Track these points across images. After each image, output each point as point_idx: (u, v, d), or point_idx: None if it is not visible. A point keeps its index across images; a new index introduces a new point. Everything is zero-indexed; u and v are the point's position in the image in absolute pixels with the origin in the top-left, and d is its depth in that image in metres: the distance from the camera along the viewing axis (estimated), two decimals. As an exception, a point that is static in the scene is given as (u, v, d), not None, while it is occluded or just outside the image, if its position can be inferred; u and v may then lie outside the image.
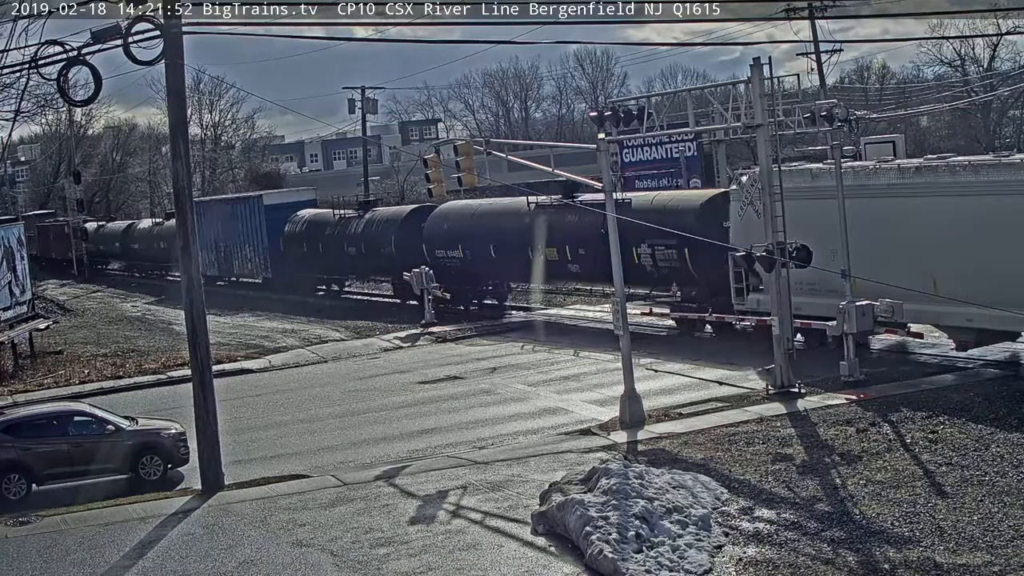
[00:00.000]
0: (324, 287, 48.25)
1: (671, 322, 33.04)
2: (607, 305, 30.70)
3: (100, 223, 72.06)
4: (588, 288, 40.30)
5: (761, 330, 26.08)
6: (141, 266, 65.02)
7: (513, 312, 37.24)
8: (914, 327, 25.92)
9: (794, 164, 28.42)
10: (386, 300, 44.88)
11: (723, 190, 30.38)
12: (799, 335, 26.81)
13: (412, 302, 40.06)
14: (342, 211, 44.59)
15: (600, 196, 25.15)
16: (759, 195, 24.26)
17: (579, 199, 33.45)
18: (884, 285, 22.84)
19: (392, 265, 40.91)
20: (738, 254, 24.06)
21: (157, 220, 63.32)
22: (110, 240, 66.30)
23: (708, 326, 31.45)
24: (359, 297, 47.63)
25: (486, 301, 39.44)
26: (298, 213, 47.69)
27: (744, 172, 28.53)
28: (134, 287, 61.28)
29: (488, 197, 42.12)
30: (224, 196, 60.70)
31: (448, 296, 38.46)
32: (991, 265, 23.26)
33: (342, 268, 45.84)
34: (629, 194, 33.79)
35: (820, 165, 26.90)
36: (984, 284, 23.08)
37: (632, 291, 31.99)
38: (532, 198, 34.96)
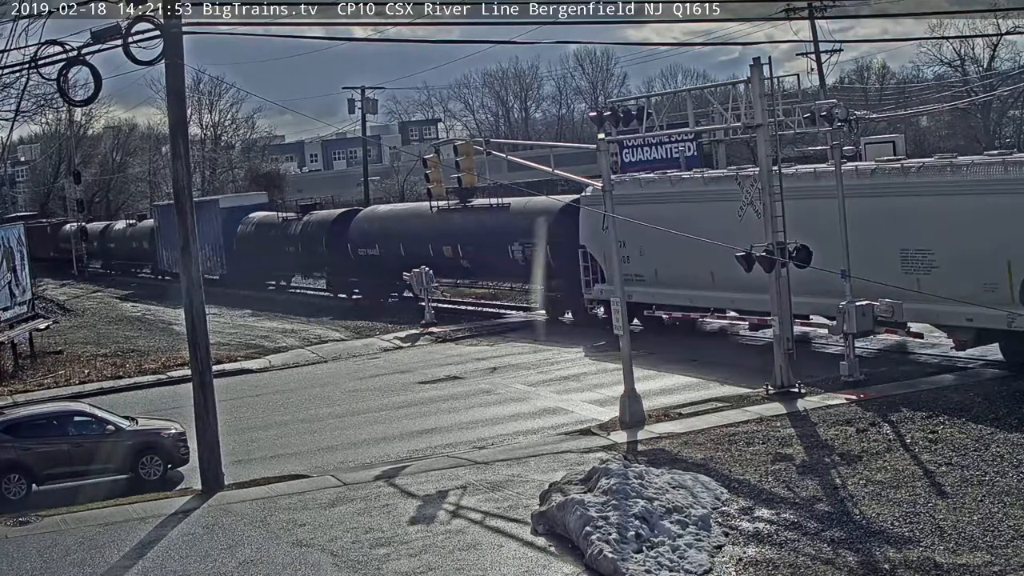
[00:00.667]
0: (273, 283, 53.02)
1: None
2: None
3: (82, 225, 73.19)
4: (476, 281, 44.39)
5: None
6: (117, 264, 70.41)
7: (419, 302, 40.32)
8: (914, 327, 25.96)
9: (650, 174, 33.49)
10: (321, 295, 49.42)
11: (578, 196, 33.98)
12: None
13: (342, 295, 45.91)
14: (286, 214, 49.89)
15: (491, 200, 33.97)
16: (758, 195, 24.27)
17: (472, 203, 39.24)
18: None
19: (323, 262, 46.67)
20: (738, 254, 24.05)
21: (131, 221, 67.75)
22: (89, 240, 71.37)
23: (569, 313, 36.32)
24: (301, 291, 52.13)
25: (405, 294, 42.50)
26: (249, 215, 52.22)
27: (745, 171, 28.54)
28: (106, 283, 65.41)
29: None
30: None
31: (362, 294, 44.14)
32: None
33: (285, 265, 50.56)
34: (507, 199, 37.93)
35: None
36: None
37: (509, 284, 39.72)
38: (435, 202, 38.38)
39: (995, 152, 25.36)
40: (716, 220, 27.35)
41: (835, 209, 24.25)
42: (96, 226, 72.61)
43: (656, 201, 30.65)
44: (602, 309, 32.33)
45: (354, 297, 45.14)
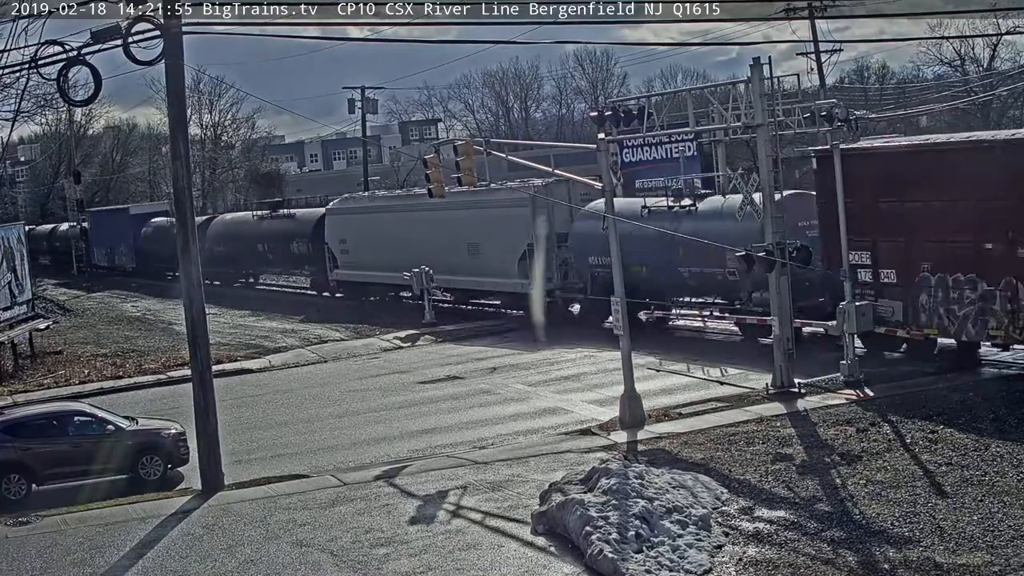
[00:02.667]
0: (171, 273, 60.79)
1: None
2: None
3: (31, 227, 74.31)
4: (278, 271, 55.59)
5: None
6: (60, 260, 77.03)
7: (258, 287, 56.30)
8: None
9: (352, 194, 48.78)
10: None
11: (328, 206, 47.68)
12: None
13: (168, 274, 56.05)
14: (173, 219, 56.68)
15: (285, 210, 49.76)
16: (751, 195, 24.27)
17: (283, 212, 52.81)
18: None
19: (158, 257, 60.26)
20: (738, 253, 24.07)
21: (72, 224, 72.41)
22: (39, 240, 76.30)
23: (327, 292, 48.03)
24: (212, 283, 60.89)
25: (250, 281, 57.12)
26: (151, 221, 63.56)
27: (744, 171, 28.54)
28: (46, 274, 71.48)
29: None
30: (106, 207, 77.15)
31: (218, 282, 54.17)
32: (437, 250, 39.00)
33: (81, 256, 67.34)
34: (294, 210, 52.97)
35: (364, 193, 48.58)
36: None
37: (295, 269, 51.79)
38: (257, 212, 54.99)
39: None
40: (414, 225, 40.40)
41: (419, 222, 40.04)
42: (44, 228, 79.75)
43: (380, 212, 43.98)
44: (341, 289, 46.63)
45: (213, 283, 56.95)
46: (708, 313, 32.02)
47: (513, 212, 35.82)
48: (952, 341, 24.65)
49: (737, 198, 26.49)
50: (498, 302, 39.40)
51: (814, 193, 27.83)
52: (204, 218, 57.24)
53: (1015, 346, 23.63)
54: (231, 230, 55.19)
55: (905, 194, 24.75)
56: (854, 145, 24.71)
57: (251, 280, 56.85)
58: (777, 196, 24.65)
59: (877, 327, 25.09)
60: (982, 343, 24.30)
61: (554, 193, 34.09)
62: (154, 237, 61.45)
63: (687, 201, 30.96)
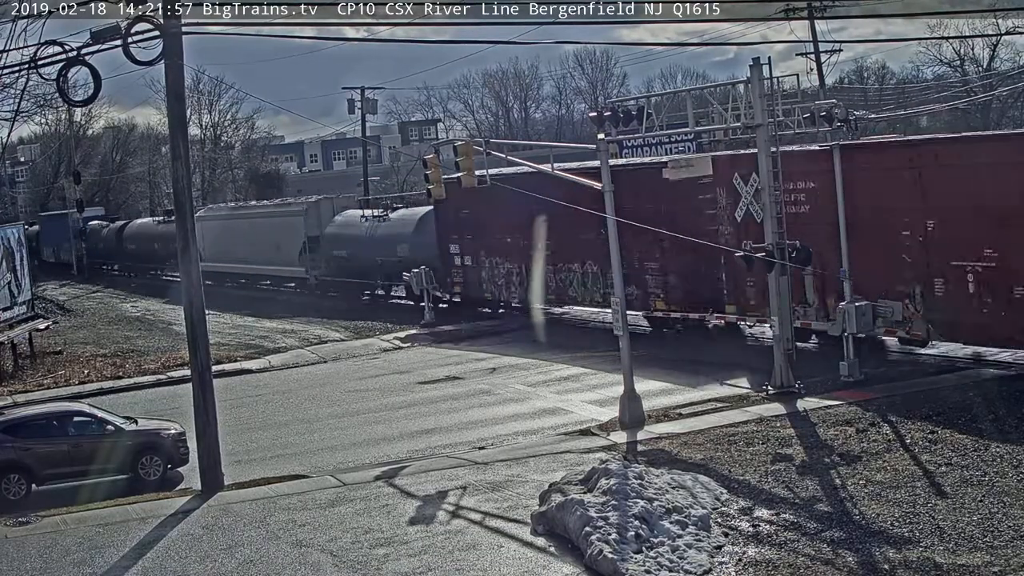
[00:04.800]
0: (106, 266, 73.39)
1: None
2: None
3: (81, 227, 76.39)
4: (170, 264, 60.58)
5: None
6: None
7: (163, 278, 62.21)
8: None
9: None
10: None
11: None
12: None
13: (103, 267, 72.07)
14: (107, 222, 73.22)
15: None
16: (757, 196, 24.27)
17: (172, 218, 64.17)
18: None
19: (114, 256, 70.96)
20: (738, 254, 24.08)
21: (26, 225, 78.49)
22: None
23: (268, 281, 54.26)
24: (127, 274, 70.35)
25: (157, 273, 63.89)
26: (90, 223, 73.68)
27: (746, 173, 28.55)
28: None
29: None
30: (53, 212, 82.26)
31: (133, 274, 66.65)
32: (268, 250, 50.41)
33: (111, 258, 72.61)
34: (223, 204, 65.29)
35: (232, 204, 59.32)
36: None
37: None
38: (157, 218, 66.58)
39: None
40: (244, 229, 51.27)
41: (245, 226, 50.36)
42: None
43: (233, 219, 54.98)
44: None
45: (123, 274, 70.36)
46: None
47: (295, 220, 48.88)
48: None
49: (406, 211, 43.52)
50: (293, 284, 51.03)
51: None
52: (123, 222, 71.20)
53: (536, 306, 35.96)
54: (140, 232, 67.21)
55: (474, 208, 36.81)
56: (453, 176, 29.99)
57: (158, 272, 64.59)
58: (422, 212, 39.67)
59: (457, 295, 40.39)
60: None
61: (320, 207, 47.95)
62: (91, 237, 73.38)
63: (381, 212, 44.60)
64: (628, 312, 24.18)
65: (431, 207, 39.85)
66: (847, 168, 25.25)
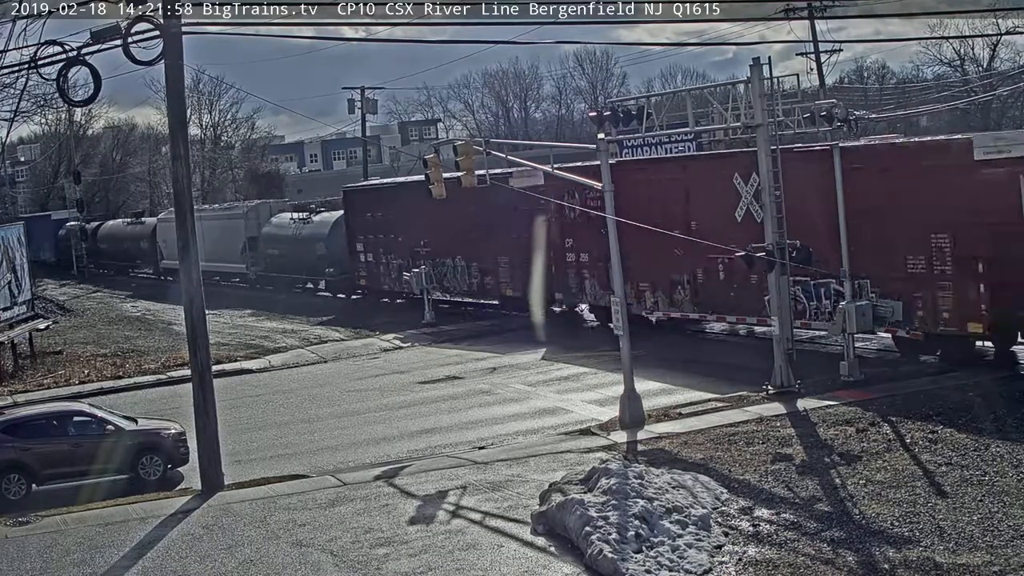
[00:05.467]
0: (92, 268, 76.04)
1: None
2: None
3: (82, 226, 76.47)
4: (138, 262, 69.06)
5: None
6: None
7: (130, 274, 69.30)
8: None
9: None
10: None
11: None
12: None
13: (73, 264, 75.10)
14: (82, 223, 75.38)
15: (149, 219, 63.08)
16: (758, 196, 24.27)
17: (140, 220, 68.20)
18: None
19: (89, 254, 74.29)
20: (739, 254, 24.08)
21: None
22: None
23: (159, 276, 62.10)
24: (100, 271, 73.85)
25: (129, 270, 69.81)
26: (66, 224, 77.25)
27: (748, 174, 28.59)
28: None
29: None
30: (34, 214, 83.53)
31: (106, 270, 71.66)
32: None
33: (80, 256, 75.60)
34: (145, 218, 68.10)
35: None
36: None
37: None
38: (126, 220, 71.90)
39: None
40: (201, 230, 54.44)
41: (198, 228, 53.13)
42: None
43: (211, 220, 54.94)
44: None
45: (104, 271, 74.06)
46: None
47: (237, 223, 55.02)
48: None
49: (326, 214, 49.33)
50: (237, 278, 56.79)
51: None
52: (96, 224, 74.37)
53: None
54: (111, 233, 71.74)
55: (376, 212, 44.07)
56: (355, 185, 41.55)
57: (130, 270, 70.19)
58: (337, 215, 47.73)
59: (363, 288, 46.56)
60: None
61: (259, 211, 54.46)
62: (67, 237, 76.79)
63: (306, 215, 50.43)
64: (485, 300, 32.99)
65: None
66: (636, 179, 31.11)
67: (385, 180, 53.23)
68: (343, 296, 48.64)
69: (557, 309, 36.29)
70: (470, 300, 40.57)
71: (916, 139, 30.26)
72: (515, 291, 37.27)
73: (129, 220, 69.44)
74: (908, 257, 25.12)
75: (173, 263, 55.29)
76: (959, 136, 26.50)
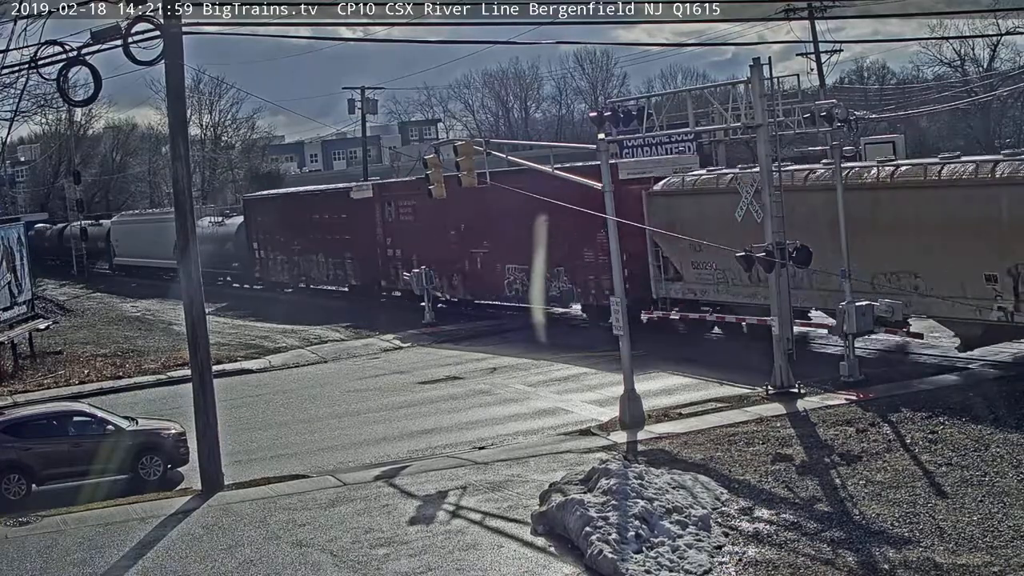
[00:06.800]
0: (51, 261, 79.19)
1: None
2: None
3: (83, 226, 76.97)
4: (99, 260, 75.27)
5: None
6: None
7: (93, 271, 74.11)
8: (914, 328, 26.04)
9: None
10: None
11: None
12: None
13: (49, 262, 76.07)
14: (50, 224, 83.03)
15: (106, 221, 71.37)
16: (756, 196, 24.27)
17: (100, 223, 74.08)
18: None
19: (57, 253, 78.69)
20: (738, 254, 24.08)
21: None
22: None
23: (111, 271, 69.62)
24: (66, 268, 76.79)
25: (59, 263, 75.28)
26: (35, 226, 77.98)
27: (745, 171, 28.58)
28: None
29: None
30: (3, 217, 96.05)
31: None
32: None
33: (54, 254, 79.47)
34: (104, 220, 73.35)
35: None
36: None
37: None
38: (90, 221, 75.61)
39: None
40: (149, 231, 62.06)
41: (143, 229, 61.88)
42: None
43: (136, 223, 67.91)
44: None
45: (63, 267, 78.09)
46: None
47: (170, 224, 59.26)
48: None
49: (237, 217, 57.01)
50: (173, 272, 63.91)
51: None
52: (62, 225, 79.50)
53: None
54: (74, 233, 75.43)
55: (266, 217, 53.06)
56: (252, 195, 50.39)
57: (92, 266, 74.56)
58: (239, 220, 55.59)
59: (259, 281, 55.47)
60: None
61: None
62: (37, 238, 78.71)
63: (221, 218, 57.93)
64: (338, 287, 44.05)
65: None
66: (396, 195, 43.93)
67: (274, 191, 61.83)
68: (247, 287, 57.08)
69: (387, 293, 45.98)
70: (331, 288, 50.14)
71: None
72: (357, 280, 47.26)
73: (91, 222, 75.89)
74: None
75: (123, 259, 69.30)
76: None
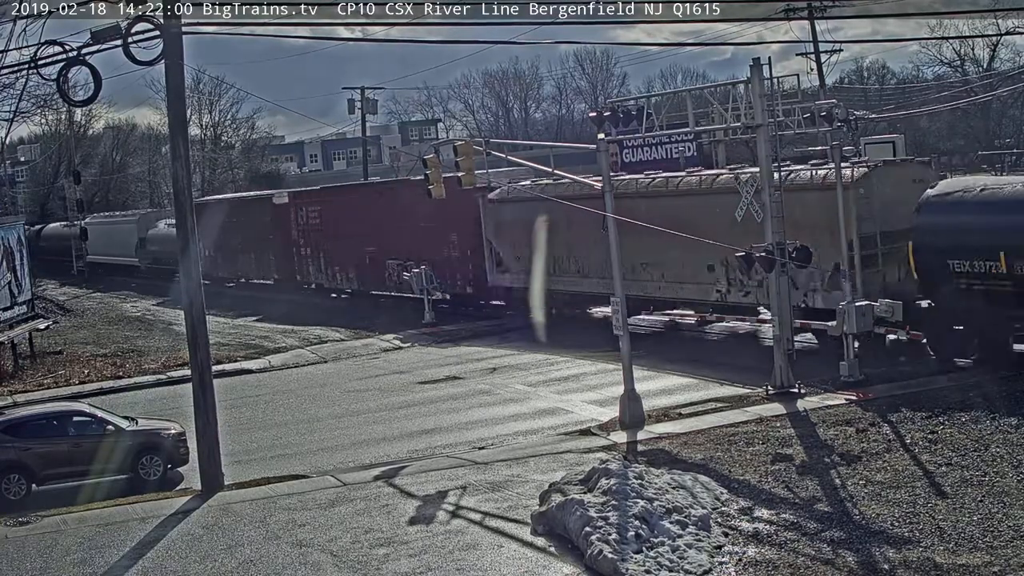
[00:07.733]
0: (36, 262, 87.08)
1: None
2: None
3: (82, 226, 77.54)
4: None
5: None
6: None
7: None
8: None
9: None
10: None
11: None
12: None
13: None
14: (28, 226, 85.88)
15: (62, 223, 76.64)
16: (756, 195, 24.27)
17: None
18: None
19: (33, 253, 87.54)
20: (739, 254, 24.08)
21: None
22: None
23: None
24: (42, 265, 77.51)
25: (64, 264, 77.25)
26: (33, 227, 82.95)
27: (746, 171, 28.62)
28: None
29: None
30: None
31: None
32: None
33: (31, 254, 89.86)
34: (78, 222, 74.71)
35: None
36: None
37: None
38: (65, 222, 79.75)
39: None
40: (118, 232, 69.57)
41: (107, 229, 69.74)
42: None
43: (102, 224, 73.00)
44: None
45: (40, 265, 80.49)
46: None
47: (131, 226, 67.84)
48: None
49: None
50: (133, 269, 67.68)
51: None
52: (39, 227, 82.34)
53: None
54: (52, 234, 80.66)
55: (213, 219, 54.15)
56: (202, 199, 55.22)
57: (68, 264, 77.73)
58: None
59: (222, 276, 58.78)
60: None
61: (149, 216, 67.46)
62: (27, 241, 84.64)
63: (173, 220, 62.39)
64: (265, 280, 51.78)
65: None
66: (338, 201, 49.47)
67: (220, 196, 69.19)
68: (206, 283, 62.46)
69: (304, 286, 51.15)
70: (258, 281, 56.88)
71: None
72: (279, 275, 53.81)
73: (65, 224, 79.69)
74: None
75: (97, 257, 74.76)
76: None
